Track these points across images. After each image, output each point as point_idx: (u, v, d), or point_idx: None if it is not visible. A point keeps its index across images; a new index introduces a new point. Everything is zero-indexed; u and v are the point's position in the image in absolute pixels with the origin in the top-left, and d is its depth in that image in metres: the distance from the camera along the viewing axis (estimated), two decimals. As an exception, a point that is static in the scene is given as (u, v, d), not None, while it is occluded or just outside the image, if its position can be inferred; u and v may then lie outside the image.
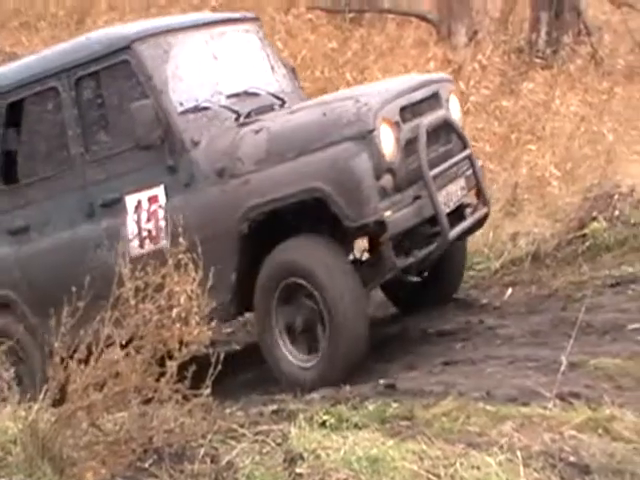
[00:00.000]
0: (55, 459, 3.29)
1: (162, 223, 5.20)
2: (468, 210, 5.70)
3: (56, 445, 3.29)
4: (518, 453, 3.14)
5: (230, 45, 5.85)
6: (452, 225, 5.28)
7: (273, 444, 3.36)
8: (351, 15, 12.52)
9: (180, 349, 3.30)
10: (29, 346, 5.40)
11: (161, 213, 5.23)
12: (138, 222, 5.28)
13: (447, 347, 5.22)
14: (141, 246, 5.24)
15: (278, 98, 5.77)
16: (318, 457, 3.25)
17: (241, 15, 6.32)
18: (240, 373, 5.37)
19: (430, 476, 2.99)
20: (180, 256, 3.54)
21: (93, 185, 5.45)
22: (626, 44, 13.58)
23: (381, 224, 4.94)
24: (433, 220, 5.16)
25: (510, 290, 6.06)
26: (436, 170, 5.24)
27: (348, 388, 4.47)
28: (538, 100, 10.94)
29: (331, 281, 4.90)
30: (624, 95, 11.86)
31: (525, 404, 3.92)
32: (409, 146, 5.16)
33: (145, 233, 5.25)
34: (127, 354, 3.33)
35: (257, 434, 3.43)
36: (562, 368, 3.99)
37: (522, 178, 8.34)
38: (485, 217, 5.72)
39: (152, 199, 5.27)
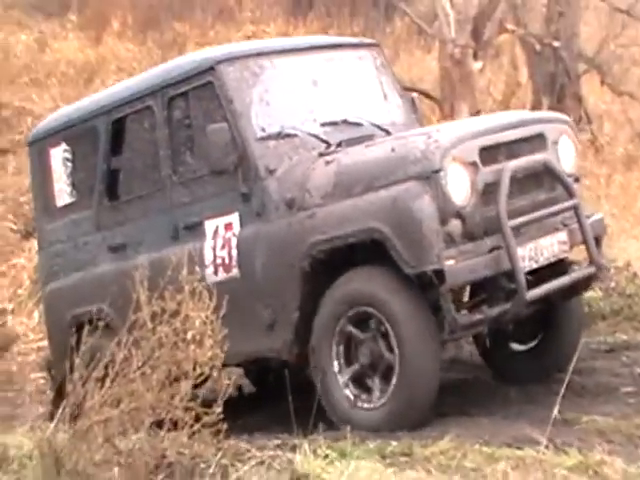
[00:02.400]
0: (71, 473, 3.42)
1: (234, 252, 5.11)
2: (574, 268, 5.17)
3: (72, 459, 3.42)
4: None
5: (337, 71, 5.66)
6: (539, 283, 4.84)
7: (279, 467, 3.50)
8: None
9: (194, 370, 3.47)
10: None
11: (234, 241, 5.12)
12: (214, 248, 5.18)
13: (442, 402, 5.34)
14: (215, 273, 5.14)
15: (382, 129, 5.48)
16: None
17: (357, 41, 6.09)
18: (245, 417, 5.47)
19: (429, 499, 3.14)
20: (195, 284, 3.69)
21: (178, 207, 5.43)
22: (626, 133, 13.94)
23: (440, 273, 4.54)
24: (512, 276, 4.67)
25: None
26: (522, 219, 4.78)
27: (349, 429, 4.58)
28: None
29: (404, 309, 4.60)
30: (623, 182, 12.15)
31: (519, 448, 4.07)
32: (490, 190, 4.74)
33: (219, 260, 5.15)
34: (143, 373, 3.49)
35: (264, 458, 3.57)
36: (553, 416, 4.07)
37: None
38: (589, 278, 5.17)
39: (228, 226, 5.18)
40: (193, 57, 5.69)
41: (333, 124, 5.43)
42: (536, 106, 13.51)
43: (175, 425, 3.56)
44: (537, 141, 5.09)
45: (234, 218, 5.17)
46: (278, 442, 4.15)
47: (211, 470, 3.37)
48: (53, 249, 6.20)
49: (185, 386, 3.44)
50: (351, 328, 4.83)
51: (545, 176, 5.07)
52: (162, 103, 5.54)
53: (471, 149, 4.76)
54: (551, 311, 5.38)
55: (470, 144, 4.77)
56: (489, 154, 4.82)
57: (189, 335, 3.48)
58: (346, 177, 4.93)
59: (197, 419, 3.57)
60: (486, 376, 5.77)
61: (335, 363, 4.83)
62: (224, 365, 5.12)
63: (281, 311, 4.99)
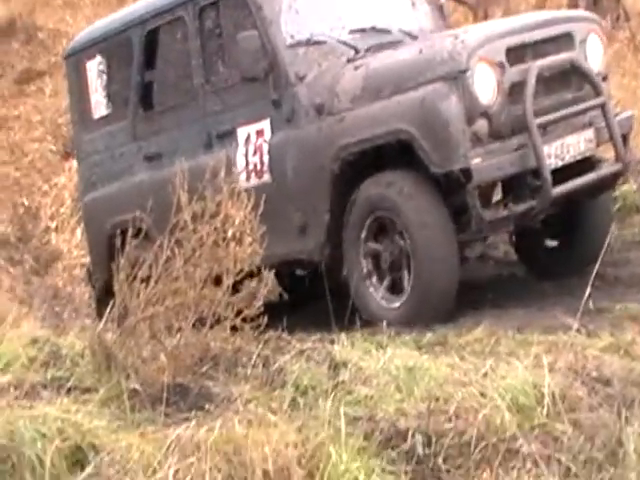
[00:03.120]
0: (120, 368, 3.60)
1: (266, 158, 5.23)
2: (601, 165, 5.24)
3: (121, 354, 3.60)
4: (545, 367, 3.40)
5: None
6: (565, 180, 4.90)
7: (318, 358, 3.66)
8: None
9: (235, 267, 3.61)
10: None
11: (266, 147, 5.24)
12: (246, 155, 5.30)
13: (479, 296, 5.46)
14: (247, 179, 5.24)
15: (410, 35, 5.55)
16: (360, 368, 3.55)
17: None
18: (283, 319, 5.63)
19: (463, 379, 3.28)
20: (233, 185, 3.81)
21: (211, 116, 5.55)
22: (665, 31, 13.67)
23: (466, 172, 4.65)
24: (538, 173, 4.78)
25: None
26: (548, 117, 4.85)
27: (385, 323, 4.71)
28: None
29: (418, 217, 4.72)
30: (662, 80, 11.97)
31: (552, 334, 4.18)
32: (517, 90, 4.81)
33: (251, 166, 5.27)
34: (185, 272, 3.64)
35: (304, 349, 3.73)
36: (584, 303, 4.14)
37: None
38: (617, 175, 5.26)
39: (259, 133, 5.29)
40: None
41: (361, 31, 5.49)
42: (572, 7, 13.27)
43: (217, 321, 3.71)
44: (564, 40, 5.15)
45: (265, 125, 5.28)
46: (317, 337, 4.29)
47: (253, 361, 3.54)
48: (91, 160, 6.35)
49: (226, 282, 3.58)
50: (375, 228, 4.94)
51: (573, 75, 5.11)
52: (193, 13, 5.61)
53: (498, 49, 4.81)
54: (581, 207, 5.44)
55: (497, 44, 4.85)
56: (516, 54, 4.89)
57: (229, 233, 3.61)
58: (374, 80, 5.01)
59: (238, 314, 3.72)
60: (521, 272, 5.88)
61: (362, 260, 4.96)
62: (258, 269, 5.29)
63: (312, 214, 5.13)
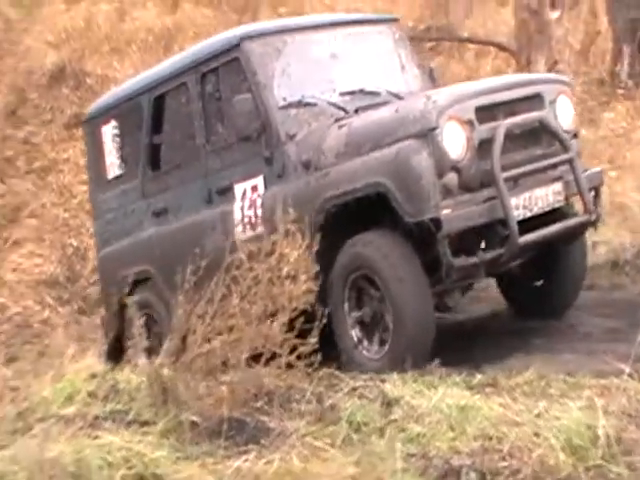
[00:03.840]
0: (176, 402, 3.67)
1: (259, 211, 5.56)
2: (570, 216, 5.55)
3: (177, 389, 3.67)
4: (599, 409, 3.41)
5: (356, 45, 6.08)
6: (533, 230, 5.18)
7: (370, 395, 3.70)
8: (430, 44, 12.86)
9: (290, 304, 3.68)
10: (163, 317, 5.92)
11: (259, 202, 5.59)
12: (242, 209, 5.66)
13: (527, 341, 5.49)
14: (243, 232, 5.59)
15: (398, 97, 5.85)
16: (412, 406, 3.58)
17: (374, 17, 6.50)
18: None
19: (516, 419, 3.30)
20: (288, 226, 3.90)
21: (212, 173, 5.92)
22: None
23: (437, 221, 4.94)
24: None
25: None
26: (516, 171, 5.17)
27: (436, 362, 4.73)
28: (619, 130, 11.13)
29: (394, 272, 4.98)
30: None
31: (603, 377, 4.19)
32: (486, 146, 5.12)
33: (247, 219, 5.61)
34: (241, 309, 3.72)
35: (356, 386, 3.78)
36: (637, 345, 4.16)
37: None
38: (584, 225, 5.56)
39: (254, 188, 5.64)
40: (222, 36, 6.14)
41: (351, 93, 5.84)
42: (616, 54, 13.32)
43: (272, 358, 3.77)
44: (534, 101, 5.44)
45: (259, 180, 5.63)
46: (368, 375, 4.34)
47: (306, 397, 3.59)
48: (105, 218, 6.77)
49: (282, 319, 3.65)
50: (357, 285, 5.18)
51: (543, 133, 5.41)
52: (196, 79, 6.01)
53: (467, 108, 5.14)
54: (557, 250, 5.69)
55: (466, 104, 5.16)
56: (486, 113, 5.19)
57: (284, 272, 3.69)
58: (356, 137, 5.35)
59: (292, 351, 3.78)
60: (571, 318, 5.88)
61: (346, 315, 5.19)
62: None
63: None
